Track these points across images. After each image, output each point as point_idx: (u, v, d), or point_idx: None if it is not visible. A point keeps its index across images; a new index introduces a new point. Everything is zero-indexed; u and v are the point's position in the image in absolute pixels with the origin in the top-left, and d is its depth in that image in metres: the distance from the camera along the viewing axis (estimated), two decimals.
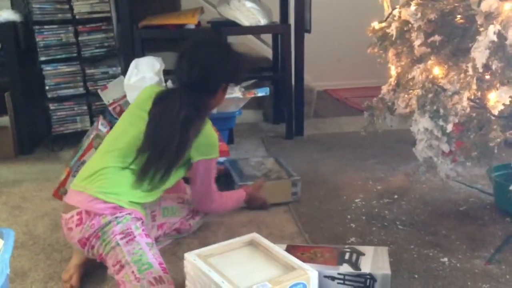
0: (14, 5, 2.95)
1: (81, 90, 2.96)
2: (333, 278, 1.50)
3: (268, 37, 3.64)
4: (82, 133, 2.66)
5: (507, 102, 1.52)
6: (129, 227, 1.57)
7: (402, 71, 1.83)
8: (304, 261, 1.39)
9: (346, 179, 2.45)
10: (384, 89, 1.97)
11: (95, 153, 1.78)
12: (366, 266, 1.51)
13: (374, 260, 1.54)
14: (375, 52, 1.92)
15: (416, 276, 1.65)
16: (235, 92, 2.63)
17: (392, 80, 1.93)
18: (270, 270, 1.34)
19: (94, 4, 2.89)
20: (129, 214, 1.60)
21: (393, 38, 1.82)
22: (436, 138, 1.71)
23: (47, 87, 2.89)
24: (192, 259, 1.37)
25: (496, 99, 1.53)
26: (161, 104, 1.66)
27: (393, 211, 2.11)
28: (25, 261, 1.79)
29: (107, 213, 1.57)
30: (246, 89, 2.73)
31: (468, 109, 1.61)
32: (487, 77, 1.56)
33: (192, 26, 2.86)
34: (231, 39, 3.18)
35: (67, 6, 2.87)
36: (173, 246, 1.87)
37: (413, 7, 1.70)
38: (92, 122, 2.93)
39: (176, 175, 1.73)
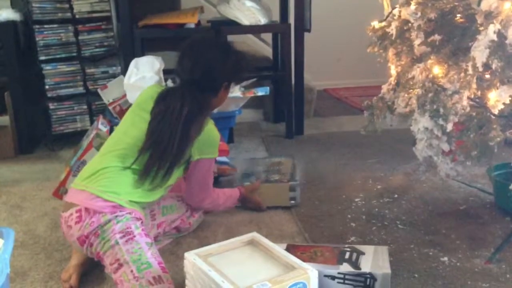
0: (14, 4, 2.95)
1: (81, 89, 2.95)
2: (333, 278, 1.50)
3: (268, 36, 3.64)
4: (82, 133, 2.66)
5: (507, 101, 1.52)
6: (129, 227, 1.57)
7: (402, 71, 1.83)
8: (304, 260, 1.39)
9: (346, 179, 2.45)
10: (384, 88, 1.96)
11: (97, 154, 1.78)
12: (366, 266, 1.51)
13: (374, 260, 1.55)
14: (375, 51, 1.92)
15: (416, 275, 1.65)
16: (235, 91, 2.63)
17: (392, 80, 1.93)
18: (270, 269, 1.34)
19: (94, 3, 2.89)
20: (129, 213, 1.60)
21: (393, 37, 1.82)
22: (436, 138, 1.71)
23: (47, 87, 2.89)
24: (192, 259, 1.37)
25: (496, 98, 1.53)
26: (163, 102, 1.66)
27: (393, 210, 2.11)
28: (25, 261, 1.79)
29: (107, 212, 1.57)
30: (246, 88, 2.73)
31: (468, 109, 1.61)
32: (487, 76, 1.56)
33: (192, 26, 2.86)
34: (231, 38, 3.18)
35: (67, 5, 2.87)
36: (173, 246, 1.87)
37: (413, 6, 1.70)
38: (92, 122, 2.93)
39: (177, 174, 1.73)
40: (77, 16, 2.88)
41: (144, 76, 2.31)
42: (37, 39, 2.84)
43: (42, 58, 2.87)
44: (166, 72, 2.45)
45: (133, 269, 1.49)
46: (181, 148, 1.63)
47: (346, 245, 1.67)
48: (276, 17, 3.24)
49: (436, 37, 1.68)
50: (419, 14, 1.67)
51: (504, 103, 1.52)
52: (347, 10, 4.04)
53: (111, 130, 2.37)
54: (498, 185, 2.07)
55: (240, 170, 2.34)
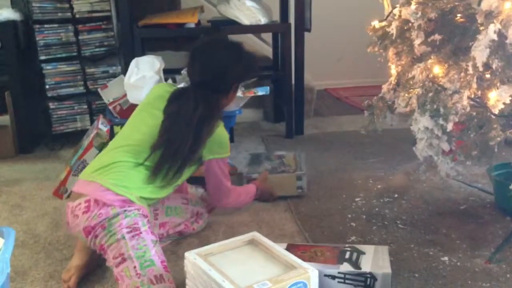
0: (14, 4, 2.95)
1: (81, 89, 2.96)
2: (333, 277, 1.50)
3: (268, 36, 3.64)
4: (82, 132, 2.67)
5: (507, 101, 1.52)
6: (136, 222, 1.56)
7: (402, 70, 1.83)
8: (304, 260, 1.39)
9: (346, 178, 2.45)
10: (384, 88, 1.96)
11: (106, 148, 1.78)
12: (366, 265, 1.52)
13: (375, 259, 1.55)
14: (375, 51, 1.92)
15: (416, 275, 1.65)
16: None
17: (392, 79, 1.93)
18: (270, 269, 1.35)
19: (94, 3, 2.89)
20: (137, 209, 1.60)
21: (393, 37, 1.82)
22: (436, 137, 1.71)
23: (47, 86, 2.89)
24: (193, 258, 1.37)
25: (496, 98, 1.53)
26: (176, 103, 1.69)
27: (394, 210, 2.11)
28: (25, 260, 1.79)
29: (116, 205, 1.57)
30: (246, 88, 2.72)
31: (468, 108, 1.61)
32: (488, 76, 1.56)
33: (192, 25, 2.86)
34: (231, 38, 3.17)
35: (67, 5, 2.87)
36: (173, 245, 1.87)
37: (413, 6, 1.70)
38: (92, 121, 2.93)
39: (188, 172, 1.75)
40: (77, 16, 2.89)
41: (144, 76, 2.31)
42: (37, 38, 2.85)
43: (42, 57, 2.87)
44: (166, 72, 2.45)
45: (136, 265, 1.49)
46: (193, 149, 1.67)
47: (347, 245, 1.67)
48: (276, 16, 3.24)
49: (437, 36, 1.68)
50: (420, 13, 1.67)
51: (504, 103, 1.52)
52: (347, 9, 4.04)
53: (111, 130, 2.37)
54: (498, 184, 2.07)
55: (244, 165, 2.41)
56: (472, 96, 1.59)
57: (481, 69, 1.50)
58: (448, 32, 1.67)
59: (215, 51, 1.78)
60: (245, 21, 2.93)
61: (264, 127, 3.33)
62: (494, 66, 1.49)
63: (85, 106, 2.97)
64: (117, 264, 1.52)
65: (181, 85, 1.82)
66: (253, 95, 2.68)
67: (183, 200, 1.93)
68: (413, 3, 1.71)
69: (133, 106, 2.31)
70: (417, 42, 1.70)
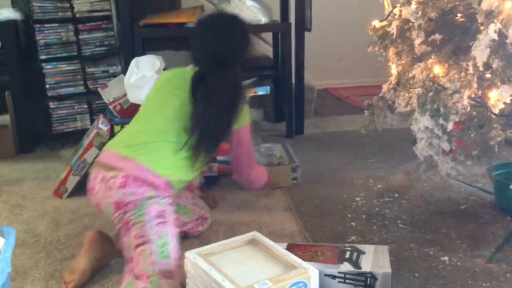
0: (14, 4, 2.95)
1: (81, 88, 2.96)
2: (333, 277, 1.50)
3: (268, 36, 3.64)
4: (83, 132, 2.67)
5: (508, 101, 1.52)
6: (166, 211, 1.58)
7: (403, 70, 1.83)
8: (304, 259, 1.39)
9: (347, 178, 2.46)
10: (385, 87, 1.96)
11: (133, 123, 1.76)
12: (366, 265, 1.52)
13: (375, 259, 1.55)
14: (376, 51, 1.92)
15: (416, 274, 1.65)
16: None
17: (393, 79, 1.93)
18: (270, 268, 1.35)
19: (94, 2, 2.89)
20: (169, 198, 1.61)
21: (394, 37, 1.82)
22: (436, 137, 1.71)
23: (47, 86, 2.89)
24: (193, 258, 1.37)
25: (497, 98, 1.53)
26: (202, 85, 1.69)
27: (394, 209, 2.11)
28: (26, 260, 1.79)
29: (154, 187, 1.57)
30: (247, 88, 2.73)
31: (469, 108, 1.61)
32: (488, 75, 1.56)
33: (193, 25, 2.86)
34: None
35: (67, 5, 2.87)
36: None
37: (413, 6, 1.70)
38: (92, 121, 2.93)
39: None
40: (77, 15, 2.89)
41: (144, 75, 2.31)
42: (37, 38, 2.85)
43: (43, 57, 2.87)
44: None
45: (153, 252, 1.50)
46: (228, 126, 1.72)
47: (347, 245, 1.67)
48: (277, 16, 3.24)
49: (437, 36, 1.68)
50: (420, 13, 1.67)
51: (504, 103, 1.52)
52: (347, 9, 4.04)
53: (111, 129, 2.37)
54: (499, 184, 2.06)
55: None
56: (473, 95, 1.59)
57: (481, 68, 1.50)
58: (448, 32, 1.67)
59: (222, 28, 1.77)
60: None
61: (265, 127, 3.33)
62: (494, 66, 1.49)
63: (85, 106, 2.97)
64: (137, 244, 1.52)
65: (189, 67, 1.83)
66: (253, 94, 2.69)
67: (193, 201, 1.94)
68: (413, 2, 1.71)
69: (133, 106, 2.31)
70: (417, 41, 1.70)
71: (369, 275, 1.49)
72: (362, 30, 2.07)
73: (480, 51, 1.48)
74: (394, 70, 1.92)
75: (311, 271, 1.30)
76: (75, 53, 2.92)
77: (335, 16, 4.06)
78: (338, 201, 2.21)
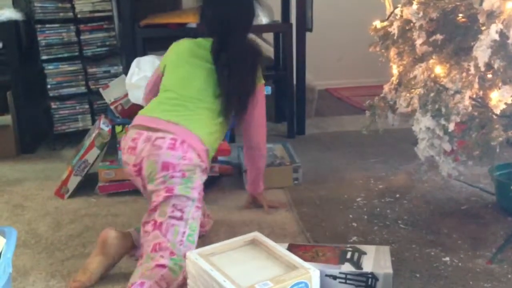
0: (16, 4, 2.96)
1: (82, 89, 2.96)
2: (335, 277, 1.50)
3: (269, 36, 3.64)
4: (84, 132, 2.67)
5: (509, 101, 1.52)
6: (202, 193, 1.63)
7: (404, 70, 1.83)
8: (305, 260, 1.39)
9: (348, 178, 2.45)
10: (386, 88, 1.96)
11: (163, 93, 1.77)
12: (368, 265, 1.51)
13: (376, 259, 1.54)
14: (377, 51, 1.92)
15: (417, 275, 1.65)
16: None
17: (394, 79, 1.92)
18: (271, 269, 1.34)
19: (95, 3, 2.90)
20: (204, 174, 1.66)
21: (395, 37, 1.82)
22: (438, 137, 1.71)
23: (48, 86, 2.90)
24: (194, 258, 1.37)
25: (498, 98, 1.52)
26: (224, 53, 1.75)
27: (395, 210, 2.11)
28: (27, 260, 1.80)
29: (200, 153, 1.61)
30: None
31: (470, 108, 1.61)
32: (489, 76, 1.55)
33: (194, 25, 2.86)
34: None
35: (69, 5, 2.87)
36: None
37: (415, 6, 1.70)
38: (93, 121, 2.93)
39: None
40: (79, 16, 2.89)
41: (146, 76, 2.30)
42: (39, 38, 2.85)
43: (44, 57, 2.87)
44: None
45: (186, 232, 1.53)
46: (252, 87, 1.82)
47: (348, 245, 1.67)
48: (278, 16, 3.24)
49: (438, 36, 1.68)
50: (421, 13, 1.67)
51: (506, 103, 1.52)
52: (348, 9, 4.04)
53: (113, 130, 2.37)
54: (500, 185, 2.06)
55: (241, 159, 2.45)
56: (474, 96, 1.59)
57: (482, 69, 1.49)
58: (449, 32, 1.67)
59: None
60: None
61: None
62: (496, 66, 1.49)
63: (87, 106, 2.97)
64: (172, 216, 1.53)
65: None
66: None
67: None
68: (414, 3, 1.71)
69: (134, 106, 2.31)
70: (418, 42, 1.70)
71: (370, 275, 1.49)
72: (363, 30, 2.07)
73: (481, 52, 1.47)
74: (395, 70, 1.92)
75: (312, 272, 1.30)
76: (76, 54, 2.92)
77: (336, 16, 4.06)
78: (339, 201, 2.21)
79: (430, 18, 1.66)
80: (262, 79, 1.88)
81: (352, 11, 3.93)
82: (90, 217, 2.11)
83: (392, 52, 1.89)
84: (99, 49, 2.95)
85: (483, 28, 1.51)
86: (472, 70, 1.52)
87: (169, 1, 3.31)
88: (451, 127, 1.64)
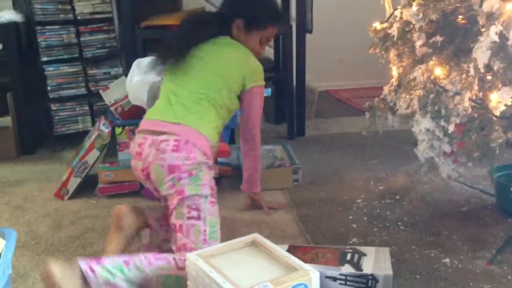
0: (16, 6, 2.96)
1: (82, 90, 2.96)
2: (334, 279, 1.50)
3: None
4: (84, 134, 2.67)
5: (509, 103, 1.52)
6: (214, 189, 1.63)
7: (404, 72, 1.83)
8: (305, 261, 1.39)
9: (348, 180, 2.45)
10: (386, 89, 1.96)
11: (166, 92, 1.77)
12: (368, 267, 1.51)
13: (376, 261, 1.55)
14: (377, 53, 1.92)
15: (417, 276, 1.65)
16: None
17: (394, 81, 1.92)
18: (271, 270, 1.34)
19: (96, 4, 2.90)
20: (211, 170, 1.65)
21: (395, 39, 1.82)
22: (437, 139, 1.71)
23: (48, 88, 2.90)
24: (194, 259, 1.37)
25: (498, 100, 1.52)
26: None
27: (395, 211, 2.11)
28: (27, 261, 1.80)
29: (205, 150, 1.62)
30: None
31: (470, 110, 1.60)
32: (489, 77, 1.55)
33: None
34: None
35: (69, 7, 2.87)
36: None
37: (414, 8, 1.70)
38: (93, 123, 2.93)
39: (234, 104, 1.82)
40: (79, 17, 2.89)
41: (146, 77, 2.31)
42: (39, 40, 2.85)
43: (44, 59, 2.87)
44: None
45: (206, 230, 1.53)
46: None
47: (348, 246, 1.67)
48: None
49: (438, 38, 1.68)
50: (421, 15, 1.67)
51: (505, 105, 1.52)
52: (348, 11, 4.04)
53: (113, 131, 2.37)
54: (500, 186, 2.06)
55: (240, 159, 2.44)
56: (474, 97, 1.59)
57: (482, 70, 1.49)
58: (449, 34, 1.67)
59: None
60: None
61: (266, 129, 3.32)
62: (495, 68, 1.49)
63: (87, 108, 2.97)
64: (190, 217, 1.54)
65: None
66: None
67: None
68: (414, 4, 1.71)
69: (134, 108, 2.31)
70: (418, 43, 1.70)
71: (370, 277, 1.49)
72: (363, 32, 2.07)
73: (481, 53, 1.47)
74: (395, 72, 1.92)
75: (312, 273, 1.30)
76: (76, 55, 2.93)
77: (336, 18, 4.07)
78: (339, 202, 2.21)
79: (430, 19, 1.67)
80: (260, 80, 1.87)
81: (352, 12, 3.93)
82: (90, 219, 2.11)
83: (392, 53, 1.89)
84: (99, 51, 2.95)
85: (482, 29, 1.51)
86: (472, 72, 1.52)
87: (169, 3, 3.31)
88: (451, 128, 1.64)
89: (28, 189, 2.44)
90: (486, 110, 1.64)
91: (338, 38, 4.13)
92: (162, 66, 1.84)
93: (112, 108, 2.48)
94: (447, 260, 1.74)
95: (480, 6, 1.51)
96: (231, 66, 1.81)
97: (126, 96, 2.42)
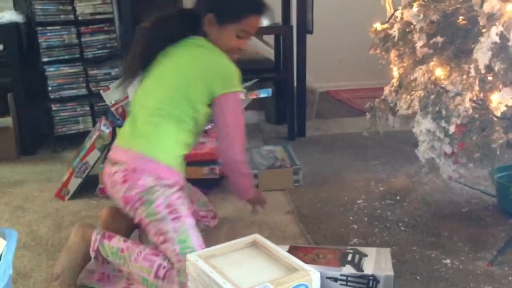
0: (16, 6, 2.96)
1: (83, 91, 2.96)
2: (335, 280, 1.50)
3: (270, 38, 3.64)
4: (85, 134, 2.67)
5: (510, 104, 1.52)
6: (175, 204, 1.55)
7: (404, 72, 1.83)
8: (306, 262, 1.39)
9: (348, 180, 2.45)
10: (386, 90, 1.96)
11: (129, 113, 1.72)
12: (368, 268, 1.51)
13: (377, 261, 1.54)
14: (377, 53, 1.92)
15: (418, 277, 1.65)
16: None
17: (394, 81, 1.92)
18: (272, 271, 1.34)
19: (96, 5, 2.90)
20: (174, 185, 1.56)
21: (395, 39, 1.82)
22: (438, 139, 1.71)
23: (49, 88, 2.90)
24: (194, 260, 1.37)
25: (499, 101, 1.52)
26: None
27: (396, 212, 2.11)
28: (27, 262, 1.80)
29: (158, 172, 1.54)
30: (249, 90, 2.73)
31: (471, 111, 1.60)
32: (490, 78, 1.56)
33: None
34: None
35: (69, 7, 2.88)
36: None
37: (415, 8, 1.70)
38: (94, 123, 2.93)
39: (203, 114, 1.63)
40: (79, 18, 2.89)
41: None
42: (40, 40, 2.85)
43: (45, 59, 2.88)
44: None
45: (176, 249, 1.50)
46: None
47: (349, 247, 1.67)
48: (279, 18, 3.24)
49: (439, 39, 1.68)
50: (422, 16, 1.67)
51: (506, 105, 1.52)
52: (349, 11, 4.04)
53: (113, 132, 2.37)
54: (501, 187, 2.06)
55: None
56: (474, 98, 1.59)
57: (483, 71, 1.49)
58: (450, 35, 1.67)
59: None
60: None
61: (266, 129, 3.33)
62: (496, 69, 1.49)
63: (88, 108, 2.98)
64: (160, 242, 1.52)
65: None
66: (255, 97, 2.69)
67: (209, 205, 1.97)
68: (415, 5, 1.71)
69: None
70: (419, 44, 1.70)
71: (371, 277, 1.49)
72: (363, 32, 2.07)
73: (482, 54, 1.47)
74: (395, 72, 1.92)
75: (313, 274, 1.30)
76: (77, 56, 2.93)
77: (336, 18, 4.07)
78: (339, 203, 2.21)
79: (431, 20, 1.67)
80: (232, 86, 1.60)
81: (353, 13, 3.93)
82: (91, 219, 2.11)
83: (393, 54, 1.89)
84: (100, 51, 2.95)
85: (483, 30, 1.51)
86: (473, 72, 1.52)
87: (170, 3, 3.31)
88: (452, 129, 1.64)
89: (28, 189, 2.44)
90: (487, 111, 1.64)
91: (338, 38, 4.13)
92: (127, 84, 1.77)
93: (112, 109, 2.48)
94: (448, 261, 1.74)
95: (481, 6, 1.51)
96: (189, 73, 1.60)
97: (127, 97, 2.42)
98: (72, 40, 2.91)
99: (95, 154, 2.32)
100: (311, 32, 3.12)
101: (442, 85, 1.65)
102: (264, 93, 2.70)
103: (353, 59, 4.11)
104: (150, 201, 1.53)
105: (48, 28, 2.86)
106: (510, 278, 1.64)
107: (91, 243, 1.59)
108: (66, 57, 2.91)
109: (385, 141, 2.78)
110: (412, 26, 1.75)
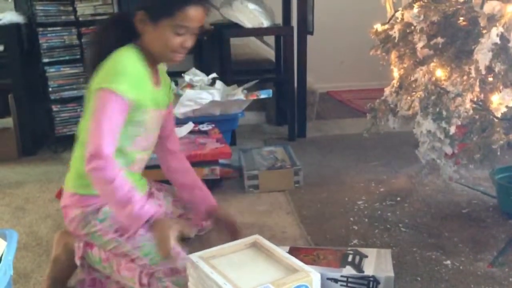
0: (17, 7, 2.96)
1: (84, 92, 2.96)
2: (336, 281, 1.49)
3: (270, 39, 3.65)
4: None
5: (510, 104, 1.52)
6: (116, 223, 1.48)
7: (405, 73, 1.83)
8: (306, 263, 1.39)
9: (349, 181, 2.45)
10: (387, 91, 1.96)
11: None
12: (369, 269, 1.51)
13: (377, 263, 1.54)
14: (378, 54, 1.92)
15: (418, 278, 1.65)
16: (237, 94, 2.64)
17: (395, 82, 1.92)
18: (272, 272, 1.34)
19: (97, 6, 2.90)
20: (101, 208, 1.49)
21: (396, 40, 1.82)
22: (439, 140, 1.71)
23: (50, 89, 2.90)
24: (195, 261, 1.37)
25: (499, 101, 1.53)
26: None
27: (396, 213, 2.11)
28: (28, 263, 1.80)
29: (76, 203, 1.51)
30: (249, 91, 2.73)
31: (471, 111, 1.61)
32: (490, 79, 1.56)
33: None
34: (234, 41, 3.18)
35: (70, 8, 2.88)
36: None
37: (415, 9, 1.70)
38: None
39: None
40: (80, 19, 2.90)
41: None
42: (40, 41, 2.86)
43: (46, 60, 2.88)
44: (168, 74, 2.44)
45: (145, 262, 1.45)
46: None
47: (349, 248, 1.67)
48: (279, 19, 3.24)
49: (439, 40, 1.68)
50: (422, 17, 1.67)
51: (507, 106, 1.52)
52: (349, 12, 4.05)
53: None
54: (501, 188, 2.06)
55: (242, 162, 2.48)
56: (475, 99, 1.59)
57: (483, 72, 1.49)
58: (450, 35, 1.67)
59: None
60: (248, 24, 2.94)
61: (267, 130, 3.33)
62: (496, 69, 1.49)
63: None
64: (129, 261, 1.48)
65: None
66: (255, 98, 2.69)
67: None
68: (415, 6, 1.71)
69: None
70: (419, 45, 1.70)
71: (371, 279, 1.48)
72: (364, 33, 2.07)
73: (482, 55, 1.48)
74: (396, 73, 1.92)
75: (313, 275, 1.30)
76: (78, 56, 2.93)
77: (337, 19, 4.07)
78: (340, 204, 2.21)
79: (431, 21, 1.67)
80: (103, 82, 1.44)
81: (353, 14, 3.94)
82: None
83: (393, 55, 1.89)
84: None
85: (484, 31, 1.51)
86: (473, 73, 1.52)
87: None
88: (452, 130, 1.64)
89: (29, 190, 2.44)
90: (487, 112, 1.64)
91: (339, 39, 4.13)
92: None
93: None
94: (448, 262, 1.74)
95: (481, 7, 1.52)
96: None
97: None
98: (72, 41, 2.91)
99: None
100: (311, 33, 3.12)
101: (443, 86, 1.65)
102: (265, 94, 2.70)
103: (353, 60, 4.12)
104: (93, 233, 1.50)
105: (49, 29, 2.86)
106: (510, 279, 1.64)
107: (75, 251, 1.55)
108: (67, 58, 2.92)
109: (386, 142, 2.78)
110: (412, 27, 1.75)
